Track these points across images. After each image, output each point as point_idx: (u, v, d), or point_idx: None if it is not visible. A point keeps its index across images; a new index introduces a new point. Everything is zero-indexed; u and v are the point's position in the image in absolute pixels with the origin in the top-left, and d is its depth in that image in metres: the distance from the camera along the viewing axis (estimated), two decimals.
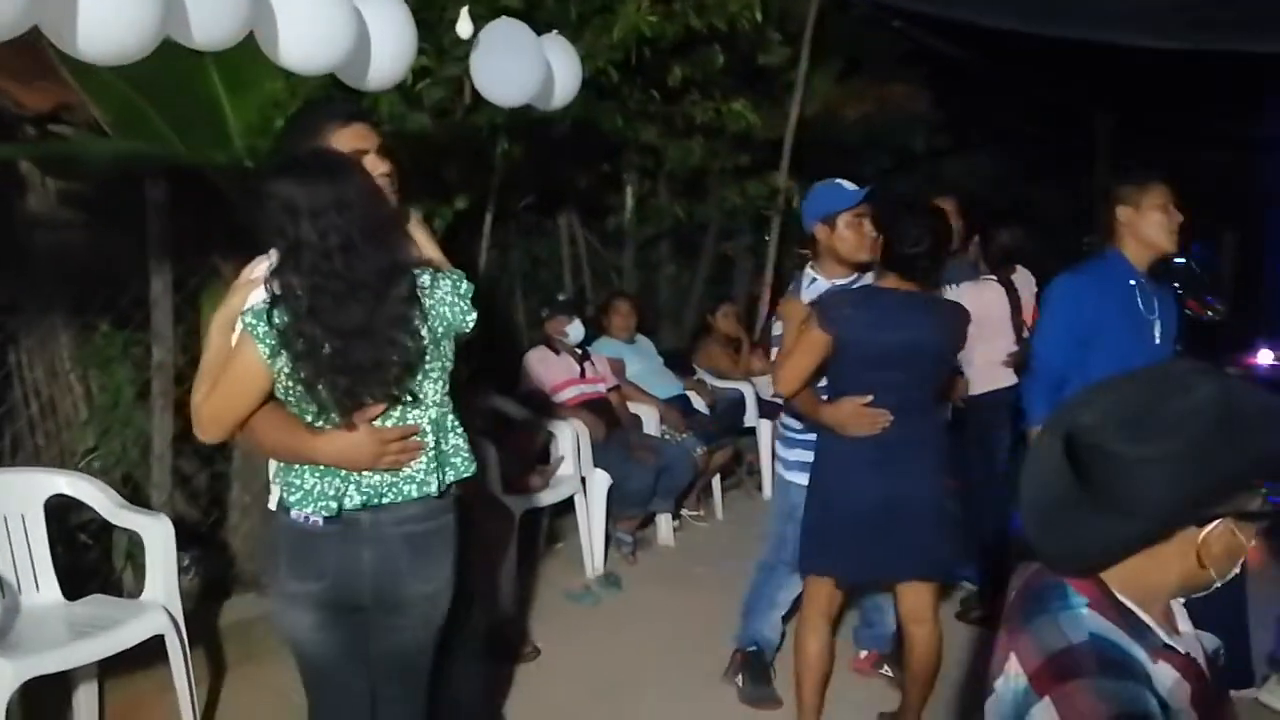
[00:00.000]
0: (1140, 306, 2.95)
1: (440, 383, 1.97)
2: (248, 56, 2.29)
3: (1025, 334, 4.00)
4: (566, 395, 4.66)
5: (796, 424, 3.08)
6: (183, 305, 3.49)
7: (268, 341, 1.81)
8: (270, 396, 1.91)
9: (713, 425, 5.12)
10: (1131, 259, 2.96)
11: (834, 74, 6.90)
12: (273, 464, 2.10)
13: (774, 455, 3.27)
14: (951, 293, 3.47)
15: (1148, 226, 2.92)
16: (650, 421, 4.85)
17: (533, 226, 5.51)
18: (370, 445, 1.88)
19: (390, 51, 2.41)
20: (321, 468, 1.91)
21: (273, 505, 2.12)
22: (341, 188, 1.79)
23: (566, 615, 3.95)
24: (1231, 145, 8.40)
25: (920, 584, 2.78)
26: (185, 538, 3.32)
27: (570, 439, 4.33)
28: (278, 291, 1.79)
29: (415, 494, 1.94)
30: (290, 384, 1.85)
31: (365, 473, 1.91)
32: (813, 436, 3.05)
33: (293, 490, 1.93)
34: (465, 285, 1.98)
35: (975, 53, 7.33)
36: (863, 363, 2.63)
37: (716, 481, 5.33)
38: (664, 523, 4.83)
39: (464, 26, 2.70)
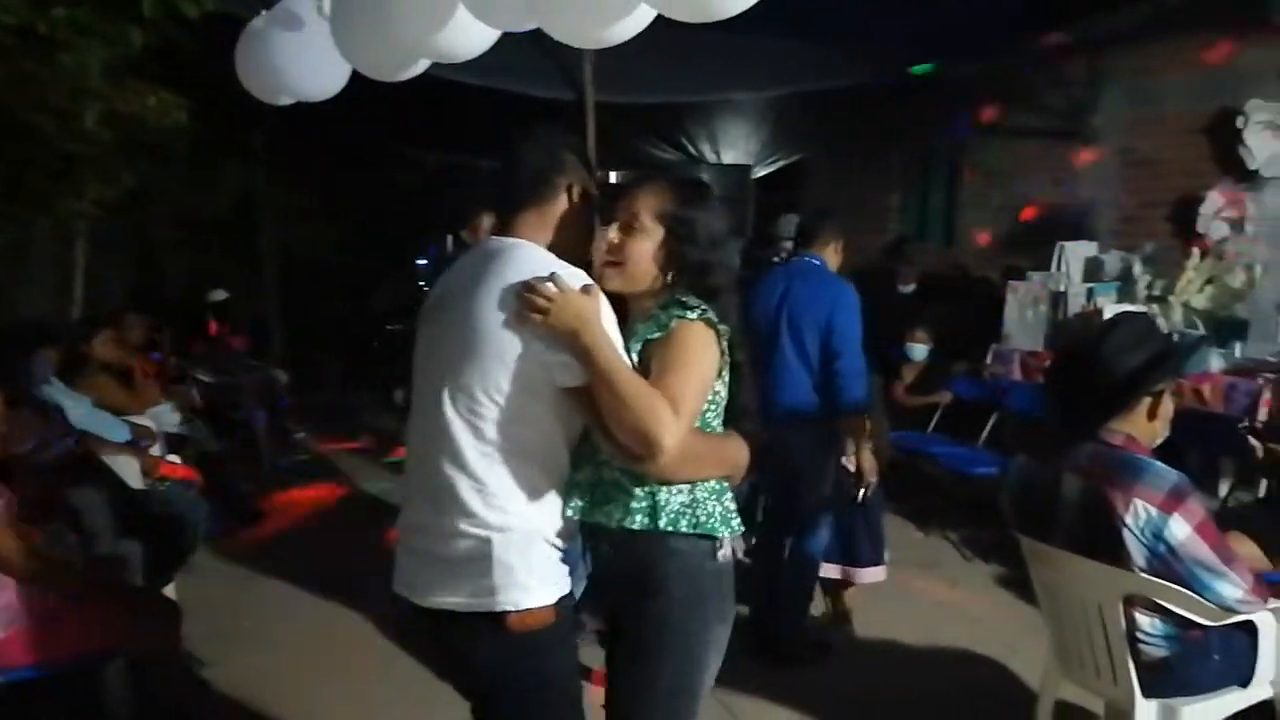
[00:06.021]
0: None
1: None
2: None
3: None
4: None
5: None
6: None
7: (724, 339, 1.71)
8: None
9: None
10: None
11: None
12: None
13: None
14: None
15: None
16: (133, 474, 4.01)
17: None
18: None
19: None
20: (717, 488, 1.76)
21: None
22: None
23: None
24: (421, 170, 9.73)
25: None
26: None
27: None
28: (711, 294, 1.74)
29: None
30: (723, 388, 1.76)
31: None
32: None
33: (706, 518, 1.72)
34: None
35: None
36: None
37: None
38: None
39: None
